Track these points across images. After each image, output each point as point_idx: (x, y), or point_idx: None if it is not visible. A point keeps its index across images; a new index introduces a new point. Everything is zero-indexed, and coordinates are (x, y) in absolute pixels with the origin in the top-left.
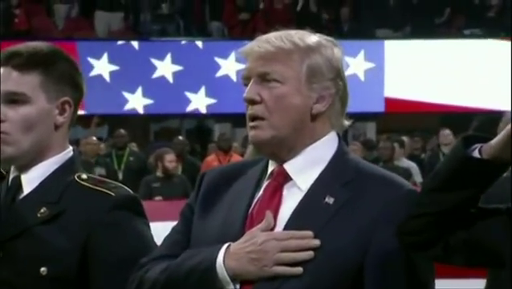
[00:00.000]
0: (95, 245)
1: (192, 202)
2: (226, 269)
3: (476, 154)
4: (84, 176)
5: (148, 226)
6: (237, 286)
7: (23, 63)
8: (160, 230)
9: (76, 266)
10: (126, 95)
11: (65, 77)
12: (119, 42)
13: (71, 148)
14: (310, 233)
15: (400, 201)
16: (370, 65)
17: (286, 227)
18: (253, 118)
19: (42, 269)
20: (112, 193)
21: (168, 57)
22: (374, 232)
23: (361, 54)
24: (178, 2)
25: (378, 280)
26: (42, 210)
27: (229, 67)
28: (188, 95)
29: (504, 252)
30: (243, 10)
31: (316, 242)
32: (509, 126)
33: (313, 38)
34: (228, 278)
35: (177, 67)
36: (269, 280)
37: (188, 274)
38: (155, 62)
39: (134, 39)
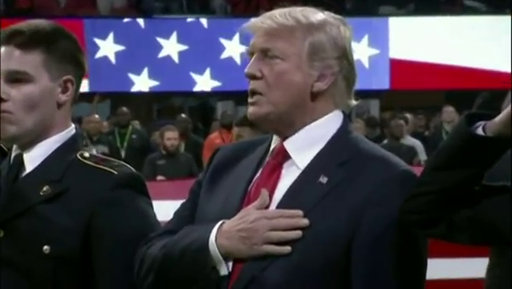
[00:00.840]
0: (97, 223)
1: (201, 178)
2: (218, 247)
3: (480, 131)
4: (87, 154)
5: (151, 205)
6: (230, 264)
7: (25, 41)
8: (164, 209)
9: (79, 245)
10: (132, 77)
11: (67, 55)
12: (125, 21)
13: (73, 126)
14: (299, 212)
15: (394, 180)
16: (374, 51)
17: (279, 205)
18: (253, 93)
19: (45, 247)
20: (115, 172)
21: (174, 36)
22: (364, 211)
23: (365, 39)
24: None
25: (366, 259)
26: (44, 188)
27: (234, 48)
28: (194, 76)
29: (508, 229)
30: None
31: (305, 222)
32: None
33: (318, 16)
34: (220, 257)
35: (183, 47)
36: (258, 259)
37: (182, 253)
38: (160, 41)
39: (137, 17)
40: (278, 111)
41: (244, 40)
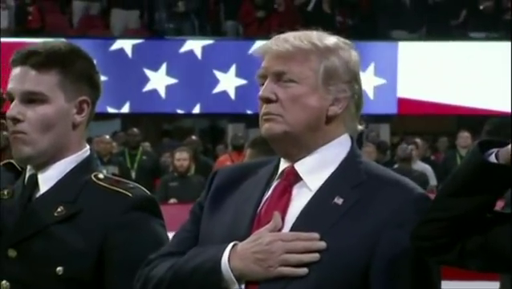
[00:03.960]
0: (111, 246)
1: (202, 200)
2: (231, 269)
3: (492, 159)
4: (101, 175)
5: (165, 227)
6: (243, 286)
7: (41, 62)
8: None
9: (92, 267)
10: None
11: (83, 76)
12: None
13: (88, 147)
14: (316, 235)
15: (410, 204)
16: (381, 81)
17: (294, 227)
18: (268, 114)
19: (58, 269)
20: (129, 194)
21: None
22: (381, 234)
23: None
24: (194, 1)
25: (384, 283)
26: (58, 209)
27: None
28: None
29: None
30: (260, 9)
31: (322, 244)
32: None
33: (331, 40)
34: (233, 278)
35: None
36: (274, 281)
37: (193, 273)
38: (148, 73)
39: (149, 38)
40: (294, 132)
41: (240, 72)
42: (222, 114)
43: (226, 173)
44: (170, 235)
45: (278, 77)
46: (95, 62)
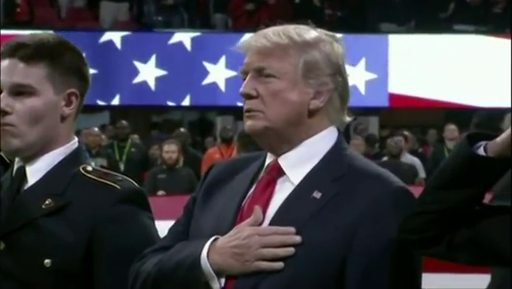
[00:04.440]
0: (99, 238)
1: (196, 194)
2: (210, 263)
3: (481, 152)
4: (89, 168)
5: (153, 220)
6: (222, 280)
7: (30, 54)
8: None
9: (80, 259)
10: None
11: (72, 68)
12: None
13: (76, 139)
14: (292, 229)
15: (388, 196)
16: (372, 76)
17: (272, 221)
18: (249, 111)
19: (46, 261)
20: (118, 186)
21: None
22: (358, 228)
23: (362, 62)
24: None
25: (359, 276)
26: (46, 202)
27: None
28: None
29: (508, 250)
30: (249, 1)
31: (298, 239)
32: None
33: (312, 34)
34: (212, 273)
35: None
36: (251, 275)
37: (175, 268)
38: (137, 64)
39: (138, 30)
40: (276, 127)
41: (230, 62)
42: (212, 106)
43: (220, 168)
44: (158, 224)
45: (259, 73)
46: (84, 54)
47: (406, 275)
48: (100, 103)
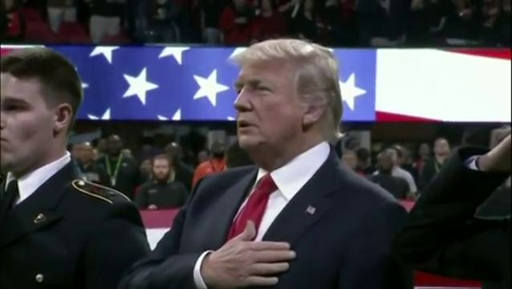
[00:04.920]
0: (92, 253)
1: (185, 208)
2: (203, 278)
3: (473, 166)
4: (81, 182)
5: (145, 235)
6: None
7: (22, 69)
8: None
9: (72, 274)
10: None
11: (64, 83)
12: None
13: (68, 154)
14: (286, 244)
15: (381, 212)
16: (360, 91)
17: (266, 236)
18: (244, 125)
19: (38, 276)
20: (110, 201)
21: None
22: (351, 243)
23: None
24: (174, 8)
25: None
26: (39, 217)
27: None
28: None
29: (500, 265)
30: (241, 15)
31: (291, 254)
32: (508, 138)
33: (307, 48)
34: (205, 287)
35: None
36: None
37: (167, 282)
38: (128, 78)
39: (129, 45)
40: (270, 142)
41: (221, 76)
42: (203, 121)
43: (210, 182)
44: (150, 233)
45: (254, 86)
46: (75, 68)
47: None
48: (91, 117)
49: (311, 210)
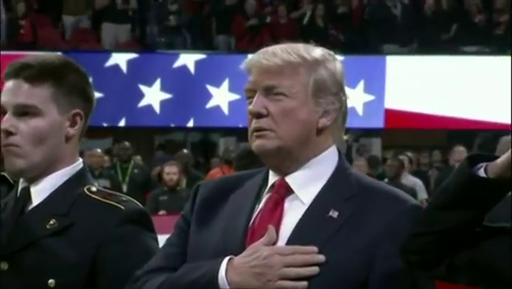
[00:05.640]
0: (103, 259)
1: (187, 214)
2: (229, 283)
3: (481, 173)
4: (94, 188)
5: (157, 241)
6: None
7: (34, 75)
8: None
9: (84, 279)
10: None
11: (76, 89)
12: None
13: (80, 160)
14: (314, 248)
15: (405, 216)
16: (370, 97)
17: (289, 241)
18: (259, 130)
19: (50, 281)
20: (122, 207)
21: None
22: (378, 247)
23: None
24: (185, 15)
25: None
26: (51, 222)
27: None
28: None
29: (507, 272)
30: (252, 22)
31: (321, 258)
32: None
33: (318, 52)
34: None
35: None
36: None
37: (189, 288)
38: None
39: (140, 52)
40: (287, 146)
41: (233, 85)
42: (215, 128)
43: (211, 187)
44: (161, 239)
45: (268, 91)
46: (90, 78)
47: None
48: (106, 125)
49: (334, 214)
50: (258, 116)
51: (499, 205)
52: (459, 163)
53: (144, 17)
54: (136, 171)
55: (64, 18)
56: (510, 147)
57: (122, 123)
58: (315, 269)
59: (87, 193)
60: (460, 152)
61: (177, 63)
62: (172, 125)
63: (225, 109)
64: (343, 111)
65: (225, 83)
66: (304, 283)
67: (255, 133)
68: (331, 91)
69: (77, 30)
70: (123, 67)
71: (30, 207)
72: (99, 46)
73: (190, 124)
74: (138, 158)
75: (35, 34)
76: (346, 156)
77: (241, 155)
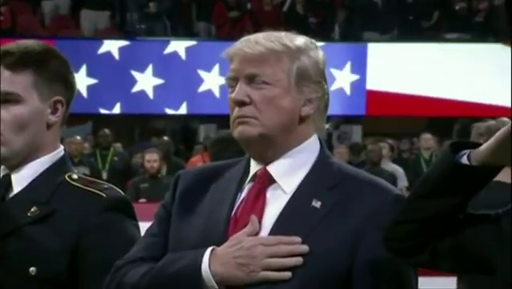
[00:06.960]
0: (85, 247)
1: (167, 204)
2: (212, 274)
3: (464, 160)
4: (75, 176)
5: (138, 228)
6: None
7: (15, 62)
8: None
9: (66, 268)
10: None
11: (57, 76)
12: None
13: (62, 147)
14: (298, 238)
15: (388, 205)
16: (355, 77)
17: (272, 231)
18: (243, 117)
19: (32, 269)
20: (103, 194)
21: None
22: (362, 237)
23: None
24: (165, 2)
25: (366, 285)
26: (32, 210)
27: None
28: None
29: (491, 258)
30: (233, 10)
31: (305, 248)
32: (500, 132)
33: (300, 40)
34: (214, 284)
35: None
36: (256, 285)
37: (172, 279)
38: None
39: (120, 38)
40: (270, 134)
41: (224, 69)
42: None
43: (192, 176)
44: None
45: (251, 79)
46: (84, 65)
47: (407, 283)
48: (103, 111)
49: (317, 204)
50: (241, 104)
51: (482, 192)
52: (427, 150)
53: (123, 3)
54: (115, 158)
55: (43, 4)
56: (488, 134)
57: (117, 109)
58: (299, 259)
59: (69, 180)
60: (427, 140)
61: (168, 50)
62: (167, 110)
63: (217, 93)
64: (325, 99)
65: (216, 68)
66: (288, 274)
67: (237, 119)
68: (314, 79)
69: (56, 17)
70: (116, 54)
71: (11, 195)
72: (78, 32)
73: (183, 109)
74: (118, 146)
75: (14, 21)
76: (326, 144)
77: (214, 141)
